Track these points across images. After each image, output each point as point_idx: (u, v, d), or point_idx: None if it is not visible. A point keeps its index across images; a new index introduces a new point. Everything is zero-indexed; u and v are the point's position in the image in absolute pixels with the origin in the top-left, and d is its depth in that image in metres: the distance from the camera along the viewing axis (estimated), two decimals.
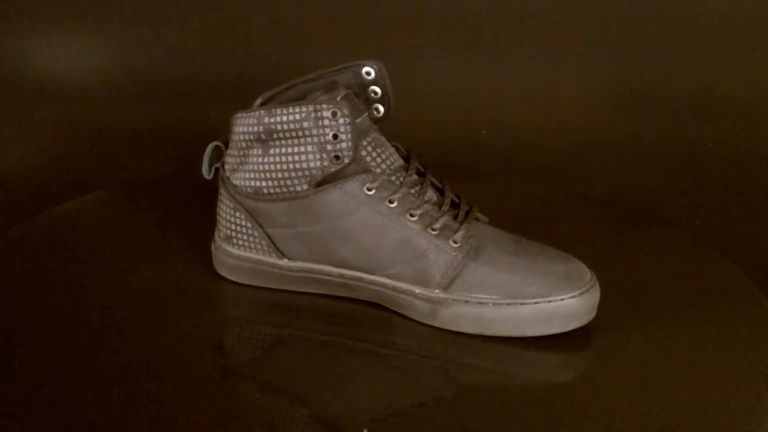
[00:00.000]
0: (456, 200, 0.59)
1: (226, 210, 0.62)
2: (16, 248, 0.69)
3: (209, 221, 0.68)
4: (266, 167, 0.58)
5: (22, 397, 0.49)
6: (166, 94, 1.26)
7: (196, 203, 0.76)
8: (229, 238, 0.63)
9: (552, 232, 0.72)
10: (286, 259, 0.61)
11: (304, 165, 0.57)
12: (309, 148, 0.57)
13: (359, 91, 0.60)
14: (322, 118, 0.56)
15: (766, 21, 1.25)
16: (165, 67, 1.28)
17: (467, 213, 0.58)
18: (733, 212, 1.13)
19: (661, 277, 0.65)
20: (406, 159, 0.60)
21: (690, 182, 1.19)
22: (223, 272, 0.64)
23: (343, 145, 0.56)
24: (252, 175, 0.59)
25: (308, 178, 0.57)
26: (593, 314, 0.56)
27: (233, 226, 0.62)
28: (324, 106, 0.56)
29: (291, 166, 0.58)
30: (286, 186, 0.58)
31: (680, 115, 1.25)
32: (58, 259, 0.67)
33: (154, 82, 1.27)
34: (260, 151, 0.59)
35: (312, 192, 0.57)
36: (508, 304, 0.55)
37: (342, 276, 0.59)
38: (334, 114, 0.56)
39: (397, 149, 0.61)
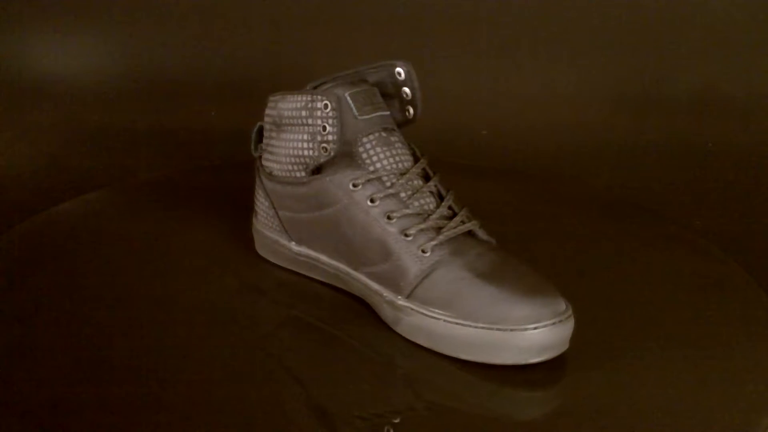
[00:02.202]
0: (456, 211, 0.57)
1: (256, 188, 0.65)
2: (16, 248, 0.69)
3: (209, 220, 0.68)
4: (277, 150, 0.60)
5: (22, 398, 0.49)
6: (166, 94, 1.26)
7: (196, 202, 0.76)
8: (257, 215, 0.65)
9: (551, 232, 0.72)
10: (293, 243, 0.62)
11: (300, 152, 0.58)
12: (305, 136, 0.58)
13: (394, 90, 0.60)
14: (315, 109, 0.57)
15: (766, 21, 1.25)
16: (165, 67, 1.29)
17: (457, 226, 0.55)
18: (733, 212, 1.14)
19: (661, 275, 0.65)
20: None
21: (690, 182, 1.20)
22: (256, 247, 0.66)
23: (330, 137, 0.57)
24: (269, 157, 0.61)
25: (304, 166, 0.59)
26: (562, 349, 0.51)
27: (259, 204, 0.64)
28: (318, 97, 0.56)
29: (292, 152, 0.59)
30: (289, 171, 0.60)
31: (680, 115, 1.26)
32: (58, 259, 0.67)
33: (154, 82, 1.27)
34: (275, 135, 0.60)
35: (307, 179, 0.59)
36: (458, 323, 0.51)
37: (335, 268, 0.60)
38: (325, 106, 0.56)
39: (414, 153, 0.59)
